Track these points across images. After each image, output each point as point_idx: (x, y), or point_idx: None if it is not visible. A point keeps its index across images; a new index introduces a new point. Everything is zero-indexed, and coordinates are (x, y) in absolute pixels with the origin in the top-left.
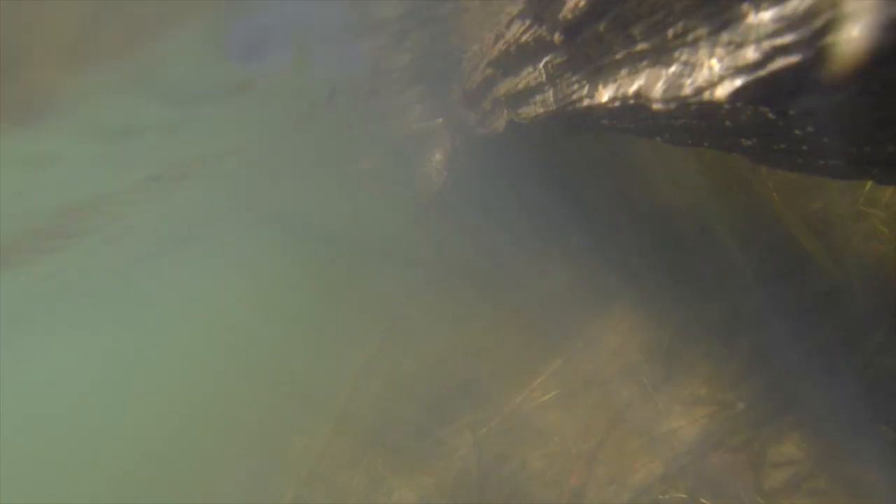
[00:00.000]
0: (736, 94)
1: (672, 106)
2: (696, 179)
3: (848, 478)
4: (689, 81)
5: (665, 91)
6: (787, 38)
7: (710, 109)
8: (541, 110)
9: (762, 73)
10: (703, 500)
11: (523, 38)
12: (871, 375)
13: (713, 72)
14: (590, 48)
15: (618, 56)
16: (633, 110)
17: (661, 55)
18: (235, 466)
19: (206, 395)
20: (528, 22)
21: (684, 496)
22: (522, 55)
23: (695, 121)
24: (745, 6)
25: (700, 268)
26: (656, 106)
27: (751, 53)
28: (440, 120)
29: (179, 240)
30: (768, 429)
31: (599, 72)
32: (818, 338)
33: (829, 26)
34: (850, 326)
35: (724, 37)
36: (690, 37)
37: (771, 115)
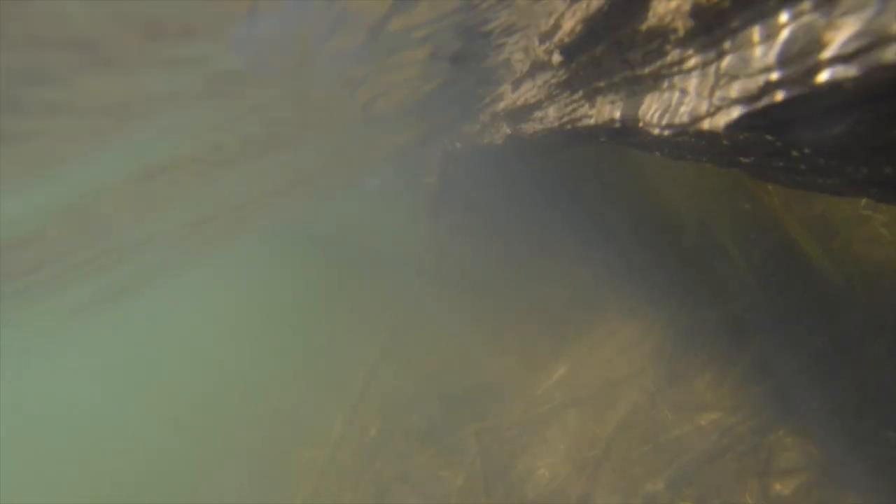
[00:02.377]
0: (732, 125)
1: (670, 132)
2: (698, 186)
3: (856, 484)
4: (686, 109)
5: (662, 117)
6: (780, 74)
7: (707, 134)
8: (539, 127)
9: (758, 105)
10: None
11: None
12: (875, 379)
13: (710, 101)
14: (588, 70)
15: (615, 79)
16: (632, 132)
17: (657, 81)
18: (243, 476)
19: (213, 405)
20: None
21: None
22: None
23: (693, 139)
24: (738, 40)
25: (702, 273)
26: (654, 131)
27: (746, 86)
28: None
29: (185, 245)
30: (774, 435)
31: (598, 93)
32: (821, 342)
33: (821, 64)
34: (853, 330)
35: (720, 68)
36: (686, 66)
37: (769, 137)
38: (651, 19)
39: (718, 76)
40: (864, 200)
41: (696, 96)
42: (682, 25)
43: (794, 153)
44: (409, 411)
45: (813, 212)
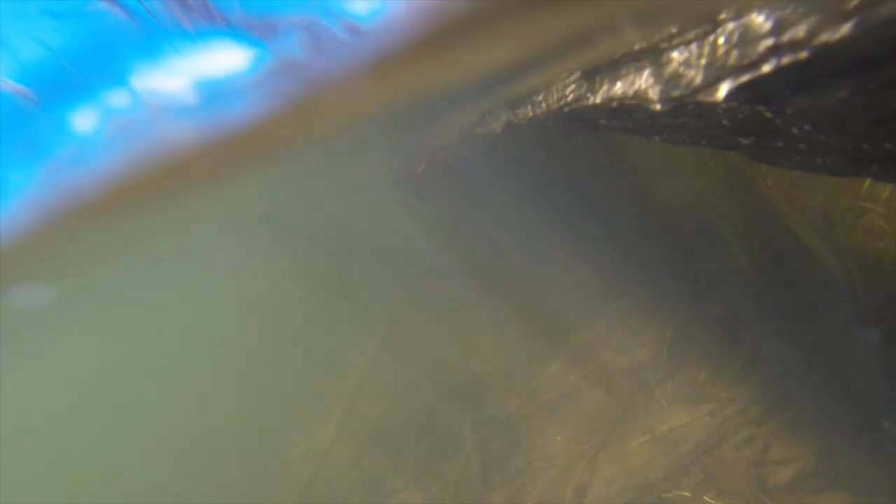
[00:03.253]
0: (732, 95)
1: (669, 106)
2: (696, 177)
3: (852, 475)
4: (685, 82)
5: (662, 91)
6: (779, 39)
7: (707, 109)
8: (538, 111)
9: (757, 73)
10: (707, 498)
11: None
12: (873, 370)
13: (709, 72)
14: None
15: (613, 56)
16: (631, 110)
17: (657, 56)
18: (237, 470)
19: (206, 398)
20: None
21: (688, 494)
22: None
23: (692, 120)
24: (737, 8)
25: (701, 265)
26: (654, 106)
27: (746, 54)
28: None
29: (177, 241)
30: (770, 426)
31: (596, 72)
32: (819, 333)
33: (822, 27)
34: (851, 322)
35: (720, 38)
36: (686, 37)
37: (768, 114)
38: None
39: (718, 46)
40: (863, 191)
41: (696, 68)
42: None
43: (794, 130)
44: (406, 403)
45: (812, 203)
